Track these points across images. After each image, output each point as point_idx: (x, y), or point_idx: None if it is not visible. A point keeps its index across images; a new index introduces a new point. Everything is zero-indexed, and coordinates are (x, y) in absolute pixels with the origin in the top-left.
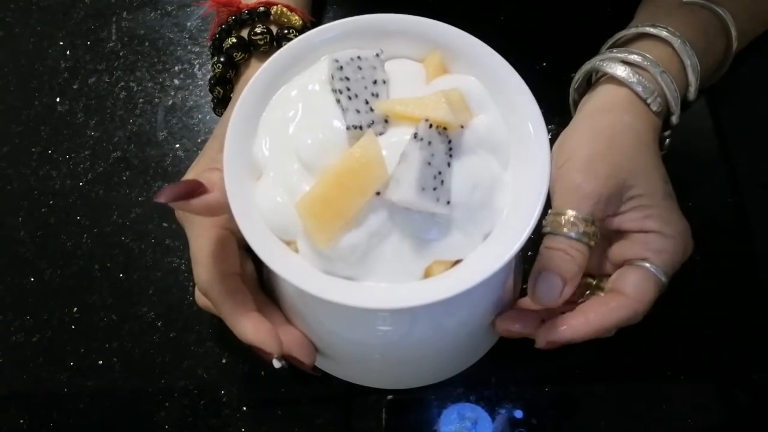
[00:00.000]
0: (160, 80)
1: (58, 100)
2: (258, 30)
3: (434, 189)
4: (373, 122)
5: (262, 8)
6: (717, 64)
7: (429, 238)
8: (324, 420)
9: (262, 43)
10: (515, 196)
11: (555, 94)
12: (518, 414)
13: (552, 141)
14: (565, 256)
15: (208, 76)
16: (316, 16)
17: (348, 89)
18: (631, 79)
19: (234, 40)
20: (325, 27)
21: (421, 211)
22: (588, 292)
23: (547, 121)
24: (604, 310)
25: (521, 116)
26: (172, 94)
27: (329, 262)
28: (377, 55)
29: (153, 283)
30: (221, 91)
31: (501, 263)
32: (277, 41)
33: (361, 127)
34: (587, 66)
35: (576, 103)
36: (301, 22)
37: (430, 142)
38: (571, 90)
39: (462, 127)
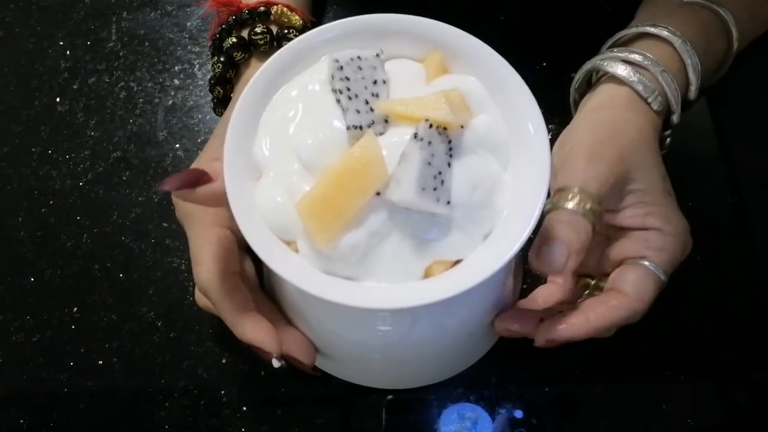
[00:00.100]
0: (160, 80)
1: (58, 100)
2: (258, 30)
3: (434, 189)
4: (373, 122)
5: (262, 8)
6: (717, 63)
7: (429, 238)
8: (324, 420)
9: (262, 42)
10: (515, 196)
11: (555, 94)
12: (518, 414)
13: (552, 141)
14: (571, 229)
15: (208, 76)
16: (316, 16)
17: (348, 89)
18: (632, 78)
19: (234, 39)
20: (325, 27)
21: (421, 211)
22: (587, 292)
23: (547, 121)
24: (604, 309)
25: (521, 116)
26: (172, 94)
27: (329, 262)
28: (377, 55)
29: (153, 283)
30: (221, 91)
31: (501, 263)
32: (277, 41)
33: (361, 127)
34: (588, 66)
35: (576, 103)
36: (301, 21)
37: (430, 142)
38: (572, 90)
39: (462, 127)
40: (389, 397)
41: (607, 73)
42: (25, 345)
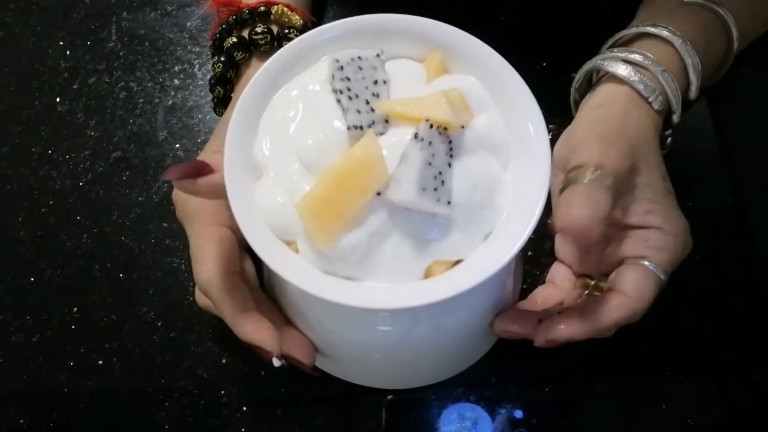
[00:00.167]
0: (160, 80)
1: (58, 100)
2: (259, 30)
3: (435, 189)
4: (373, 122)
5: (262, 8)
6: (718, 64)
7: (429, 238)
8: (324, 420)
9: (262, 42)
10: (515, 196)
11: (555, 94)
12: (518, 414)
13: (552, 141)
14: (592, 199)
15: (209, 76)
16: (316, 16)
17: (348, 89)
18: (632, 77)
19: (235, 39)
20: (325, 27)
21: (422, 212)
22: (587, 292)
23: (547, 121)
24: (604, 309)
25: (521, 116)
26: (172, 94)
27: (329, 262)
28: (378, 55)
29: (153, 283)
30: (222, 90)
31: (501, 263)
32: (277, 41)
33: (361, 127)
34: (588, 65)
35: (577, 103)
36: (301, 21)
37: (430, 143)
38: (572, 90)
39: (462, 127)
40: (389, 397)
41: (607, 72)
42: (25, 345)
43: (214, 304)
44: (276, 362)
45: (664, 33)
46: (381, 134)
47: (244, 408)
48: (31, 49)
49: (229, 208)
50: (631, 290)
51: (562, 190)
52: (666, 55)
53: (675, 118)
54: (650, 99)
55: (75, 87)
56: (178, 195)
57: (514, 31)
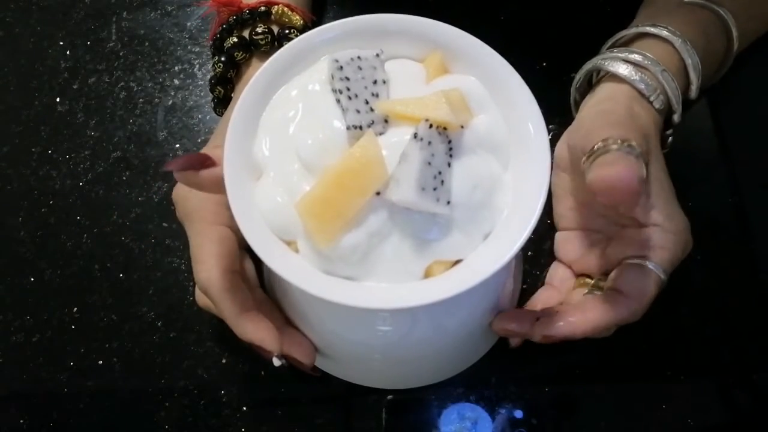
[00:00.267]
0: (160, 80)
1: (58, 100)
2: (259, 30)
3: (434, 189)
4: (373, 122)
5: (263, 8)
6: (718, 64)
7: (429, 238)
8: (324, 420)
9: (263, 42)
10: (515, 196)
11: (555, 94)
12: (518, 414)
13: (552, 141)
14: (626, 160)
15: (209, 76)
16: (316, 16)
17: (348, 89)
18: (633, 77)
19: (235, 39)
20: (325, 27)
21: (422, 211)
22: (586, 292)
23: (547, 121)
24: (603, 308)
25: (521, 116)
26: (172, 94)
27: (329, 262)
28: (377, 55)
29: (153, 283)
30: (222, 90)
31: (501, 263)
32: (278, 41)
33: (361, 127)
34: (588, 65)
35: (577, 103)
36: (302, 21)
37: (430, 142)
38: (572, 90)
39: (462, 127)
40: (389, 397)
41: (608, 72)
42: (25, 345)
43: (214, 304)
44: (276, 362)
45: (664, 33)
46: (380, 134)
47: (244, 408)
48: (31, 49)
49: (229, 207)
50: (631, 290)
51: (585, 166)
52: (666, 54)
53: (676, 117)
54: (651, 98)
55: (75, 87)
56: (178, 194)
57: (514, 31)
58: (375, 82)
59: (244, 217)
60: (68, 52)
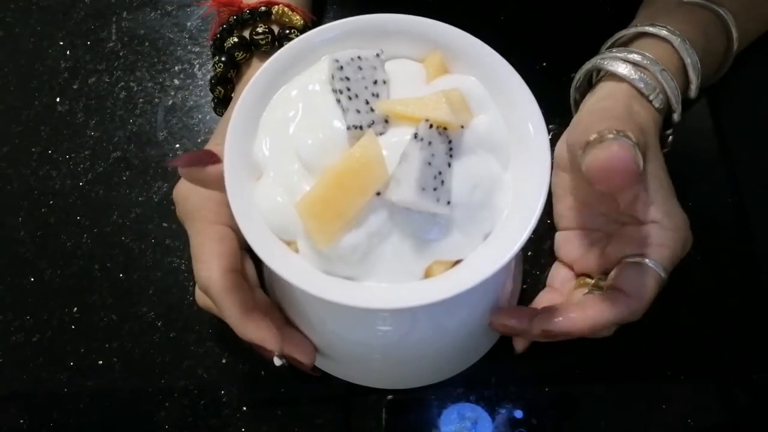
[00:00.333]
0: (160, 80)
1: (58, 100)
2: (260, 30)
3: (434, 189)
4: (373, 122)
5: (263, 8)
6: (718, 64)
7: (429, 238)
8: (324, 420)
9: (263, 42)
10: (515, 196)
11: (555, 94)
12: (518, 414)
13: (552, 141)
14: (623, 144)
15: (209, 76)
16: (316, 16)
17: (348, 89)
18: (632, 76)
19: (236, 39)
20: (325, 27)
21: (422, 211)
22: (587, 292)
23: (547, 121)
24: (603, 306)
25: (521, 116)
26: (172, 94)
27: (329, 262)
28: (377, 55)
29: (153, 283)
30: (222, 90)
31: (501, 263)
32: (278, 41)
33: (361, 127)
34: (588, 65)
35: (577, 103)
36: (302, 21)
37: (430, 142)
38: (572, 90)
39: (462, 127)
40: (389, 397)
41: (607, 72)
42: (25, 345)
43: (214, 303)
44: (277, 361)
45: (663, 32)
46: (381, 134)
47: (244, 408)
48: (31, 49)
49: (229, 206)
50: (631, 288)
51: (581, 159)
52: (665, 54)
53: (675, 116)
54: (651, 97)
55: (75, 87)
56: (178, 193)
57: (514, 31)
58: (375, 82)
59: (244, 217)
60: (68, 52)
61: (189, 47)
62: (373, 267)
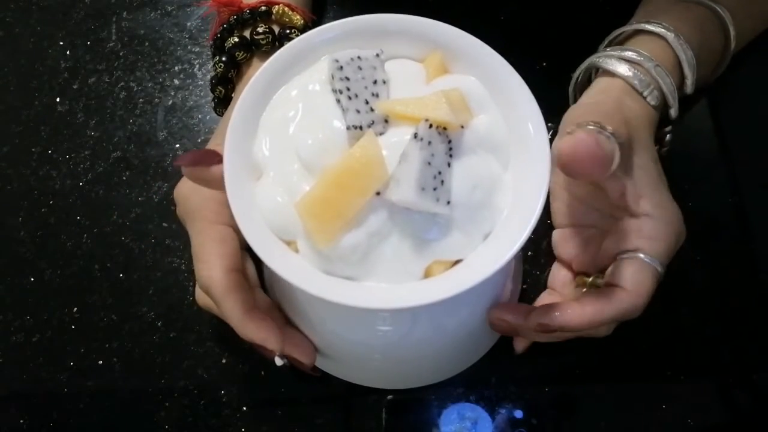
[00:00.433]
0: (160, 80)
1: (58, 100)
2: (260, 29)
3: (434, 189)
4: (373, 122)
5: (263, 8)
6: (715, 62)
7: (429, 238)
8: (324, 420)
9: (264, 42)
10: (515, 196)
11: (555, 94)
12: (518, 414)
13: (552, 141)
14: (595, 135)
15: (209, 76)
16: (316, 16)
17: (348, 89)
18: (627, 73)
19: (236, 39)
20: (325, 27)
21: (421, 211)
22: (584, 290)
23: (547, 121)
24: (602, 302)
25: (521, 116)
26: (172, 94)
27: (329, 262)
28: (377, 55)
29: (153, 283)
30: (223, 90)
31: (501, 263)
32: (279, 41)
33: (361, 127)
34: (585, 63)
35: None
36: (302, 21)
37: (430, 142)
38: (571, 88)
39: (462, 127)
40: (389, 397)
41: (604, 69)
42: (25, 345)
43: (216, 303)
44: (278, 361)
45: (658, 29)
46: (380, 134)
47: (244, 408)
48: (31, 49)
49: (229, 206)
50: (629, 284)
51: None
52: (659, 50)
53: (672, 112)
54: (645, 93)
55: (75, 87)
56: (179, 193)
57: (514, 31)
58: (375, 82)
59: (244, 217)
60: (68, 52)
61: (189, 47)
62: (373, 267)
